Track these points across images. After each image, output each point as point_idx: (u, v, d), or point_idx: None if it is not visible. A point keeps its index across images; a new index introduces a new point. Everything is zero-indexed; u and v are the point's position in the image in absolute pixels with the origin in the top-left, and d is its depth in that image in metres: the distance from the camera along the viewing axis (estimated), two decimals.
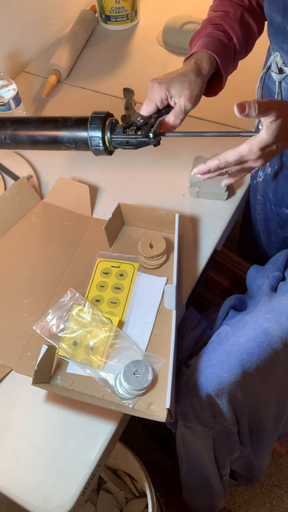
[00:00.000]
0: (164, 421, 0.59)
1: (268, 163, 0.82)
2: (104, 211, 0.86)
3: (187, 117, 1.00)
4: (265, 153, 0.57)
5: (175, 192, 0.88)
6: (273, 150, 0.58)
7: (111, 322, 0.69)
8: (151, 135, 0.59)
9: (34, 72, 1.16)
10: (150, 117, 0.63)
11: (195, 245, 0.80)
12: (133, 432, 1.20)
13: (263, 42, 0.75)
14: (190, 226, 0.82)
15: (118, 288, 0.74)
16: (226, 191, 0.83)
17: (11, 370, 0.68)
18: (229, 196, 0.86)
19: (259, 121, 0.57)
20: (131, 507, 1.04)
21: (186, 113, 0.63)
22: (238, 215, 0.92)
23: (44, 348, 0.64)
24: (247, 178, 0.90)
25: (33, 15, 1.15)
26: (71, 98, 1.09)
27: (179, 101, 0.61)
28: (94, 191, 0.89)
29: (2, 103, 0.91)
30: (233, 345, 0.66)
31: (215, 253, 0.83)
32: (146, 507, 1.02)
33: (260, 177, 0.87)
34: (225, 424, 0.70)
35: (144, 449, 1.20)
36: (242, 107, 0.52)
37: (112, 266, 0.77)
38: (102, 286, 0.74)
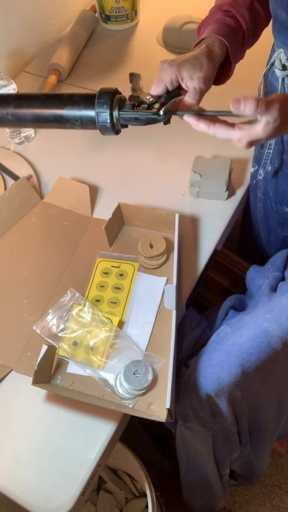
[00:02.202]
0: (164, 421, 0.59)
1: (268, 161, 0.83)
2: (104, 211, 0.86)
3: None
4: (252, 144, 0.56)
5: (175, 192, 0.88)
6: (259, 143, 0.57)
7: (111, 322, 0.69)
8: (161, 112, 0.58)
9: (34, 72, 1.16)
10: (159, 97, 0.62)
11: (195, 245, 0.80)
12: (133, 432, 1.20)
13: (266, 38, 0.75)
14: (190, 226, 0.82)
15: (118, 288, 0.74)
16: (226, 191, 0.84)
17: (11, 370, 0.68)
18: (229, 196, 0.86)
19: None
20: (131, 507, 1.04)
21: (201, 94, 0.61)
22: (238, 215, 0.92)
23: (44, 348, 0.64)
24: (247, 178, 0.90)
25: (33, 15, 1.15)
26: None
27: (193, 83, 0.60)
28: (94, 191, 0.89)
29: None
30: (233, 345, 0.66)
31: (215, 253, 0.83)
32: (146, 507, 1.02)
33: (261, 175, 0.87)
34: (224, 424, 0.70)
35: (144, 449, 1.20)
36: (237, 104, 0.51)
37: (112, 266, 0.77)
38: (102, 286, 0.74)
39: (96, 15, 1.29)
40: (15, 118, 0.60)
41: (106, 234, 0.77)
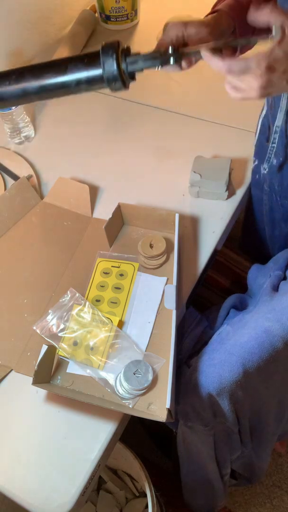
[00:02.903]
0: (164, 421, 0.59)
1: (273, 155, 0.82)
2: (104, 211, 0.86)
3: (188, 117, 1.00)
4: (272, 70, 0.50)
5: (175, 192, 0.88)
6: (278, 75, 0.51)
7: (111, 322, 0.69)
8: (170, 49, 0.54)
9: None
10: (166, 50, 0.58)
11: (195, 245, 0.80)
12: (133, 432, 1.20)
13: None
14: (190, 226, 0.82)
15: (118, 288, 0.74)
16: (226, 191, 0.84)
17: (11, 370, 0.68)
18: (229, 196, 0.86)
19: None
20: (131, 507, 1.04)
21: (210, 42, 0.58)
22: (239, 215, 0.92)
23: (44, 348, 0.64)
24: (247, 178, 0.90)
25: (33, 15, 1.15)
26: (71, 98, 1.09)
27: (200, 37, 0.58)
28: (94, 191, 0.89)
29: None
30: (234, 345, 0.66)
31: (215, 253, 0.83)
32: (146, 507, 1.02)
33: (265, 169, 0.86)
34: (226, 423, 0.70)
35: (144, 449, 1.20)
36: (254, 11, 0.50)
37: (112, 266, 0.77)
38: (102, 286, 0.74)
39: (96, 15, 1.29)
40: (20, 91, 0.57)
41: (106, 234, 0.77)
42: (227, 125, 0.98)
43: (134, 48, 1.30)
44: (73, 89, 0.57)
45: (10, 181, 0.91)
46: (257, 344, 0.65)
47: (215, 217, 0.84)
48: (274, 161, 0.83)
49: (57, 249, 0.81)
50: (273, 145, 0.81)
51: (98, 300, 0.73)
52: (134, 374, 0.61)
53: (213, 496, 0.92)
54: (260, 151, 0.86)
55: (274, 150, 0.81)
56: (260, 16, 0.51)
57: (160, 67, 0.56)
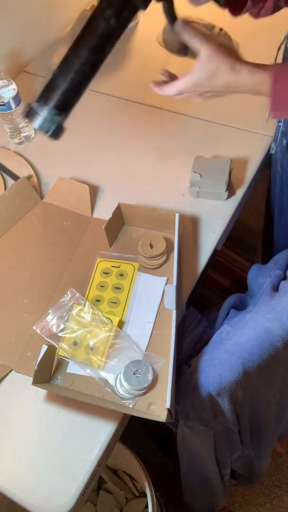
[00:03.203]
0: (164, 421, 0.59)
1: (280, 133, 0.82)
2: (104, 211, 0.86)
3: (188, 117, 1.00)
4: (198, 90, 0.60)
5: (175, 192, 0.88)
6: (206, 92, 0.61)
7: (111, 322, 0.69)
8: None
9: (34, 72, 1.16)
10: None
11: (195, 245, 0.80)
12: (133, 432, 1.20)
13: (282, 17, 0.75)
14: (190, 226, 0.82)
15: (118, 288, 0.74)
16: (226, 191, 0.83)
17: (11, 370, 0.68)
18: (229, 196, 0.85)
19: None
20: (131, 507, 1.04)
21: None
22: (239, 215, 0.92)
23: (44, 348, 0.64)
24: (247, 178, 0.90)
25: (33, 15, 1.15)
26: None
27: None
28: (94, 191, 0.89)
29: (2, 103, 0.91)
30: (234, 345, 0.66)
31: (215, 253, 0.83)
32: (146, 507, 1.02)
33: (273, 150, 0.86)
34: (226, 423, 0.70)
35: (144, 449, 1.20)
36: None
37: (112, 266, 0.77)
38: (102, 286, 0.74)
39: None
40: (77, 70, 0.61)
41: (106, 234, 0.77)
42: (227, 125, 0.98)
43: (134, 48, 1.31)
44: (111, 37, 0.60)
45: (10, 181, 0.91)
46: (257, 344, 0.65)
47: (215, 217, 0.84)
48: (284, 141, 0.82)
49: (57, 249, 0.81)
50: (280, 124, 0.80)
51: (98, 300, 0.73)
52: (134, 374, 0.61)
53: (213, 496, 0.92)
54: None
55: (280, 129, 0.81)
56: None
57: None
